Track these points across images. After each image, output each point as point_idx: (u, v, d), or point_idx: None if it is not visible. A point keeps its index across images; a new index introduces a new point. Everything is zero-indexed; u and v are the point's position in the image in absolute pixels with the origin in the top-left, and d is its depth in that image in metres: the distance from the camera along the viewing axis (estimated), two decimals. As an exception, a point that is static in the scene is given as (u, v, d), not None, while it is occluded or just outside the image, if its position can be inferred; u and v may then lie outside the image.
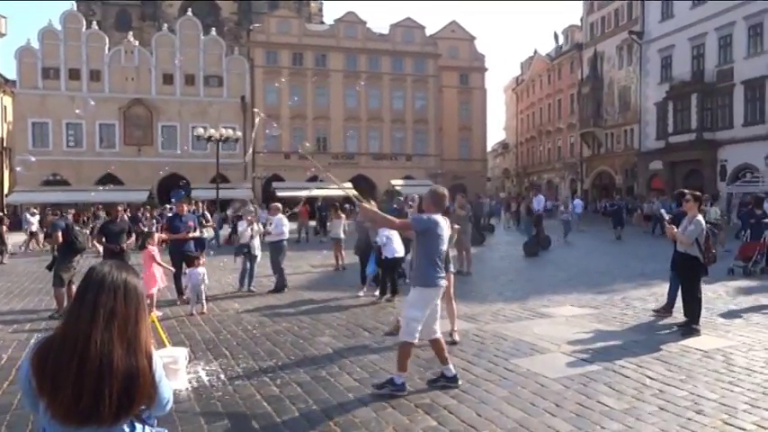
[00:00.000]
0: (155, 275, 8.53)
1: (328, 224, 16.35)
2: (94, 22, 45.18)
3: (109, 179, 41.06)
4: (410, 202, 11.62)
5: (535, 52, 58.18)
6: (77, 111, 36.39)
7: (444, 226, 5.14)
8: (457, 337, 6.75)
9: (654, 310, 8.29)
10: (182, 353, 5.51)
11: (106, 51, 42.41)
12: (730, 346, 6.44)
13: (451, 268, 7.19)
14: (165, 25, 46.45)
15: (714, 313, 8.13)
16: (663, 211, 9.67)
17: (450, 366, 5.21)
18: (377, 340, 6.96)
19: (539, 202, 19.19)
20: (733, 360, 5.88)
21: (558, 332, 7.21)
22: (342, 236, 14.51)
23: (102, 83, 42.12)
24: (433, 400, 4.87)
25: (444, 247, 5.17)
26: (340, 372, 5.72)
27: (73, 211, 20.92)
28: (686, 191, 8.42)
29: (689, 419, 4.34)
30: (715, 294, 9.61)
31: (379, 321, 8.01)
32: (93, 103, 35.49)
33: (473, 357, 6.14)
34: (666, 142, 34.61)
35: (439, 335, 5.20)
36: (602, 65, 43.51)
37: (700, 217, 7.30)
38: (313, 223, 26.96)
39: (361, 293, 10.12)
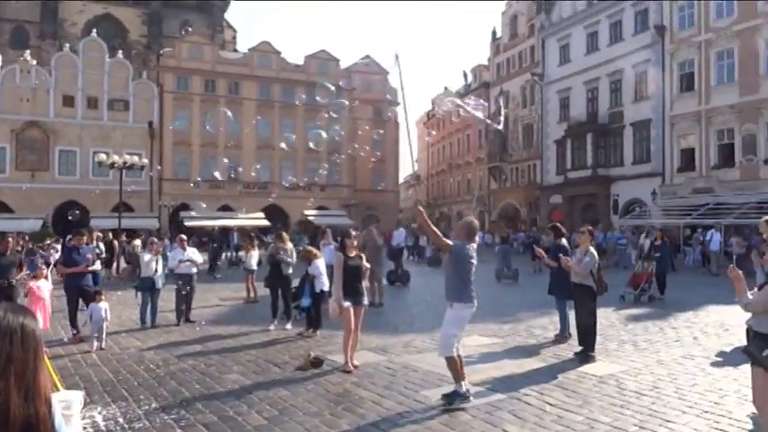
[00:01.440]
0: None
1: (241, 254, 15.94)
2: (-14, 39, 42.30)
3: (-3, 206, 38.08)
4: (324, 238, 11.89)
5: (445, 89, 60.49)
6: None
7: (475, 254, 5.82)
8: (356, 362, 7.17)
9: (553, 339, 8.77)
10: (76, 396, 5.16)
11: (-1, 70, 39.71)
12: (622, 371, 6.89)
13: (365, 301, 7.41)
14: (67, 45, 44.23)
15: (607, 340, 8.68)
16: (534, 246, 10.80)
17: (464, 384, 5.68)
18: (287, 376, 6.85)
19: (399, 236, 18.65)
20: (624, 384, 6.29)
21: (467, 362, 7.37)
22: (255, 267, 14.23)
23: (-8, 103, 39.28)
24: (343, 435, 4.85)
25: (473, 270, 5.80)
26: (249, 410, 5.57)
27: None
28: (558, 224, 9.34)
29: (584, 444, 4.59)
30: (608, 322, 10.26)
31: (291, 356, 7.89)
32: None
33: (384, 390, 6.18)
34: (565, 177, 36.85)
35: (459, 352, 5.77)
36: (507, 103, 45.90)
37: (593, 249, 7.84)
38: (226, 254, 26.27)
39: (271, 327, 9.92)
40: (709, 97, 28.52)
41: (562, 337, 8.72)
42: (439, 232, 5.89)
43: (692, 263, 24.79)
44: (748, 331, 4.22)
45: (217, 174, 32.23)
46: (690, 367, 7.05)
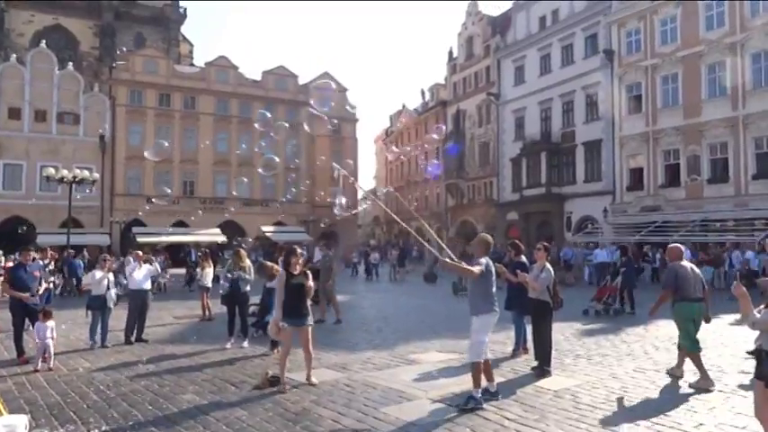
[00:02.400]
0: None
1: (198, 271, 15.55)
2: (-73, 47, 40.54)
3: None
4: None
5: (403, 106, 61.12)
6: None
7: (492, 265, 6.42)
8: (314, 380, 7.13)
9: (511, 354, 8.92)
10: (20, 421, 4.92)
11: (-60, 79, 38.03)
12: (577, 385, 7.03)
13: (309, 321, 7.21)
14: (14, 56, 42.77)
15: (562, 354, 8.85)
16: (496, 263, 11.10)
17: (494, 384, 6.37)
18: (244, 395, 6.72)
19: (316, 255, 17.88)
20: (579, 398, 6.42)
21: (426, 378, 7.43)
22: (209, 284, 13.95)
23: (-68, 113, 37.54)
24: (302, 455, 4.79)
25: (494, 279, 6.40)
26: (204, 431, 5.43)
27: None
28: (517, 242, 9.57)
29: (542, 457, 4.66)
30: (563, 336, 10.47)
31: (247, 375, 7.75)
32: None
33: (343, 408, 6.13)
34: (521, 195, 37.62)
35: (488, 357, 6.41)
36: (464, 121, 46.69)
37: (548, 265, 8.02)
38: (175, 271, 25.59)
39: (228, 345, 9.74)
40: (656, 119, 29.72)
41: (518, 351, 8.89)
42: (467, 267, 6.26)
43: (647, 279, 25.50)
44: (760, 353, 4.11)
45: (155, 200, 31.59)
46: (641, 381, 7.26)
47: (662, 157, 29.59)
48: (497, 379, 7.36)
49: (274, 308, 8.45)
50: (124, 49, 49.84)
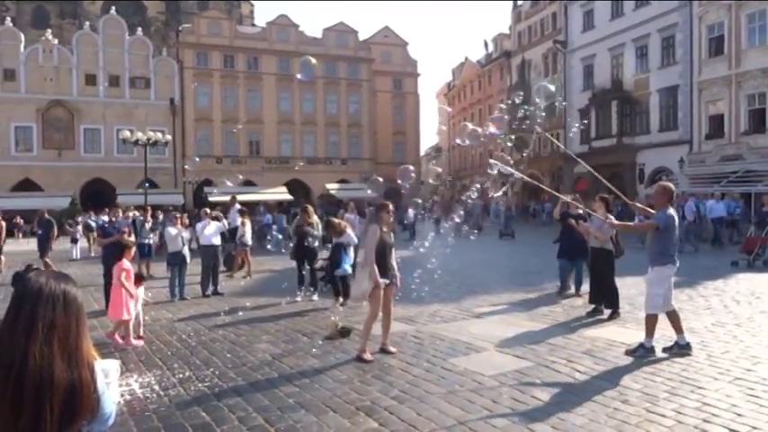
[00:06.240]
0: (123, 302, 7.13)
1: (240, 229, 14.88)
2: (8, 19, 42.63)
3: (27, 185, 38.90)
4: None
5: (466, 59, 59.54)
6: None
7: (675, 215, 6.27)
8: (392, 348, 6.51)
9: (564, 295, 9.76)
10: (113, 365, 5.27)
11: (21, 50, 40.04)
12: (651, 338, 6.83)
13: (394, 279, 6.58)
14: (87, 24, 44.39)
15: (636, 308, 8.58)
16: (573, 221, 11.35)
17: (685, 335, 6.19)
18: (316, 345, 6.94)
19: (232, 215, 15.66)
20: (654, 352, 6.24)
21: (493, 331, 7.43)
22: (250, 242, 13.92)
23: (17, 83, 39.75)
24: (373, 401, 4.92)
25: (676, 232, 6.30)
26: (279, 378, 5.67)
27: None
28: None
29: (615, 409, 4.59)
30: (637, 290, 10.13)
31: (318, 326, 7.99)
32: None
33: (411, 358, 6.24)
34: (590, 146, 36.19)
35: (675, 307, 6.26)
36: (529, 72, 45.04)
37: (611, 216, 7.85)
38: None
39: (298, 298, 10.05)
40: (740, 61, 27.60)
41: (576, 294, 9.75)
42: (641, 225, 6.61)
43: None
44: None
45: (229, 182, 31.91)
46: (721, 335, 6.97)
47: (745, 102, 27.60)
48: (567, 333, 7.28)
49: (363, 263, 6.79)
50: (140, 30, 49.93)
